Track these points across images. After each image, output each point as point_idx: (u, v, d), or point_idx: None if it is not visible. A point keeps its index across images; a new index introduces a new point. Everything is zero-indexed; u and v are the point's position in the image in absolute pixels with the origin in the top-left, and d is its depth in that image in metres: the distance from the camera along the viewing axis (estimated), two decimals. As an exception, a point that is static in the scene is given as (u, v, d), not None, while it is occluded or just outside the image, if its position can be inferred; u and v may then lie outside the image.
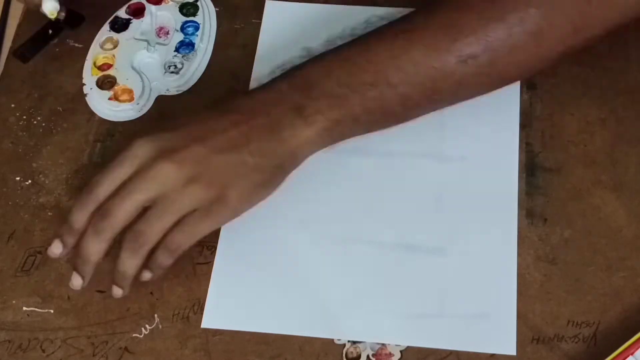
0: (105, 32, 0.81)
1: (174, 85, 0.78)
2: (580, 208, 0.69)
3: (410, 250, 0.69)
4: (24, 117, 0.78)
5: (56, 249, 0.66)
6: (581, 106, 0.74)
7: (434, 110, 0.71)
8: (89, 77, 0.79)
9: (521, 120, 0.74)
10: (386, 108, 0.68)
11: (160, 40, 0.80)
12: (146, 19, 0.81)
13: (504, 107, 0.74)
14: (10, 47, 0.82)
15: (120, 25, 0.81)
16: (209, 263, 0.70)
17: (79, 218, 0.65)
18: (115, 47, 0.80)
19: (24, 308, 0.69)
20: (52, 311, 0.69)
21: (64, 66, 0.81)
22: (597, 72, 0.75)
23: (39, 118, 0.78)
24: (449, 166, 0.72)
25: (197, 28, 0.80)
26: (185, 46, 0.79)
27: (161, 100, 0.78)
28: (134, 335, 0.67)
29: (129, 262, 0.64)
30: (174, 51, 0.79)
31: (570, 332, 0.64)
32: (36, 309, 0.69)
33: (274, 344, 0.66)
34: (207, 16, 0.81)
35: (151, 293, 0.69)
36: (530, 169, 0.71)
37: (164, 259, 0.65)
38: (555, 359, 0.64)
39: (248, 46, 0.80)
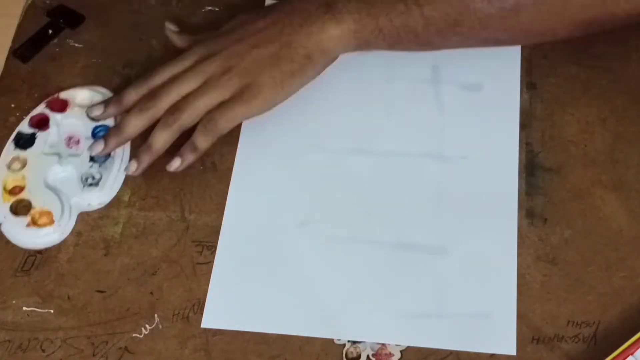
0: (10, 151, 0.74)
1: (95, 198, 0.72)
2: (580, 208, 0.69)
3: (410, 250, 0.69)
4: (24, 117, 0.78)
5: (98, 110, 0.74)
6: (581, 106, 0.74)
7: (454, 46, 0.73)
8: (0, 204, 0.71)
9: (521, 120, 0.74)
10: (410, 26, 0.71)
11: (72, 151, 0.74)
12: (52, 129, 0.75)
13: (504, 107, 0.74)
14: (10, 47, 0.82)
15: (25, 141, 0.74)
16: (209, 263, 0.70)
17: (129, 97, 0.73)
18: (23, 166, 0.73)
19: (24, 308, 0.69)
20: (52, 311, 0.69)
21: (63, 66, 0.81)
22: (597, 72, 0.75)
23: (39, 118, 0.78)
24: (449, 166, 0.72)
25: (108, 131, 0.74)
26: None
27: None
28: (134, 335, 0.67)
29: (160, 135, 0.71)
30: (89, 161, 0.73)
31: (570, 332, 0.64)
32: (36, 309, 0.69)
33: (274, 344, 0.66)
34: (119, 117, 0.75)
35: (151, 293, 0.69)
36: (530, 169, 0.71)
37: (200, 140, 0.71)
38: (555, 359, 0.64)
39: (248, 46, 0.80)
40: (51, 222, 0.71)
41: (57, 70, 0.81)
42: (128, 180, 0.74)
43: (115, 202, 0.73)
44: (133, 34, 0.82)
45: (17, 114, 0.78)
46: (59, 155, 0.74)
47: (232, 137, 0.75)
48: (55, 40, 0.82)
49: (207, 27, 0.81)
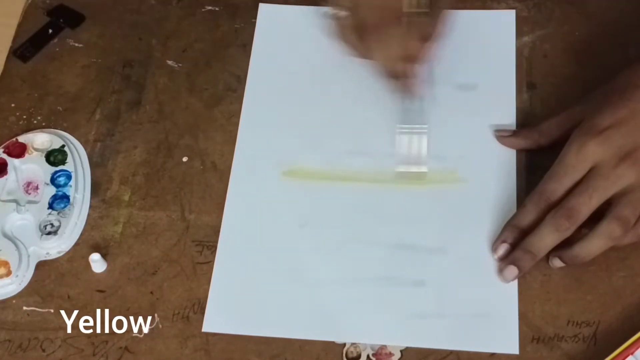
0: None
1: (54, 247, 0.70)
2: (580, 208, 0.69)
3: (410, 251, 0.69)
4: (24, 116, 0.78)
5: (502, 250, 0.67)
6: (581, 106, 0.74)
7: None
8: None
9: (521, 120, 0.73)
10: None
11: (31, 197, 0.71)
12: (10, 175, 0.73)
13: (500, 106, 0.74)
14: (10, 47, 0.82)
15: None
16: (209, 263, 0.70)
17: (529, 217, 0.66)
18: None
19: (24, 308, 0.69)
20: (52, 311, 0.69)
21: (63, 66, 0.81)
22: (597, 72, 0.75)
23: (39, 118, 0.78)
24: (448, 166, 0.72)
25: (69, 177, 0.72)
26: (60, 200, 0.71)
27: (43, 265, 0.70)
28: (134, 335, 0.67)
29: (549, 239, 0.65)
30: (48, 208, 0.71)
31: (570, 332, 0.64)
32: (36, 309, 0.69)
33: (274, 344, 0.66)
34: (79, 161, 0.73)
35: (151, 293, 0.69)
36: (530, 168, 0.71)
37: (595, 247, 0.64)
38: (555, 358, 0.64)
39: (248, 46, 0.80)
40: (8, 273, 0.68)
41: (57, 70, 0.81)
42: (128, 180, 0.74)
43: (116, 202, 0.73)
44: (133, 33, 0.82)
45: (17, 114, 0.78)
46: (17, 202, 0.71)
47: (232, 137, 0.75)
48: (55, 40, 0.82)
49: (208, 27, 0.81)
